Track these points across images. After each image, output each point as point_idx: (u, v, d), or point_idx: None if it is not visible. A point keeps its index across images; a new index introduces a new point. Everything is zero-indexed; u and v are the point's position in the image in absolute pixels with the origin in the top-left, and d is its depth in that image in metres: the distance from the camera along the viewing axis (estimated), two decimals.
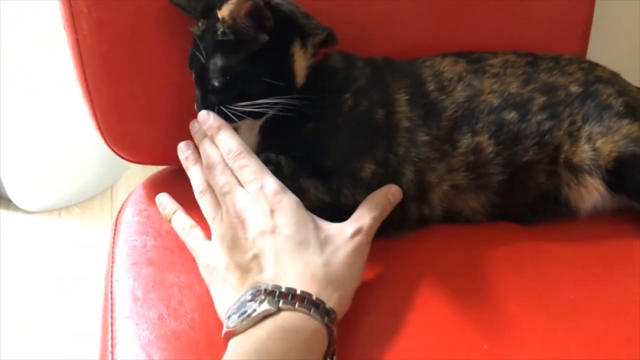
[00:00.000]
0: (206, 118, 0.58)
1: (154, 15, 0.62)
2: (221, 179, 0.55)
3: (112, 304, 0.55)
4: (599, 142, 0.61)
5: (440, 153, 0.60)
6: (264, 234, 0.50)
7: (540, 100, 0.63)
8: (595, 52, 0.76)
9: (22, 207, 1.38)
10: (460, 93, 0.62)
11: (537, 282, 0.57)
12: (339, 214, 0.55)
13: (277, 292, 0.46)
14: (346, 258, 0.51)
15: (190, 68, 0.59)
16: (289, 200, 0.52)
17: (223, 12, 0.55)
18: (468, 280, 0.57)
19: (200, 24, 0.58)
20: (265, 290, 0.47)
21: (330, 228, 0.53)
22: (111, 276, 0.58)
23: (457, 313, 0.53)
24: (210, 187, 0.57)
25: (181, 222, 0.58)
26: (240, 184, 0.54)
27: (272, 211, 0.51)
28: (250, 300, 0.47)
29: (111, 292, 0.56)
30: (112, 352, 0.50)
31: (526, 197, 0.63)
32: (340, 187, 0.57)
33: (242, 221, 0.51)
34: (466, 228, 0.63)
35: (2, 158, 1.32)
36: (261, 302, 0.46)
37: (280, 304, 0.46)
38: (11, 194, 1.37)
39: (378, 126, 0.59)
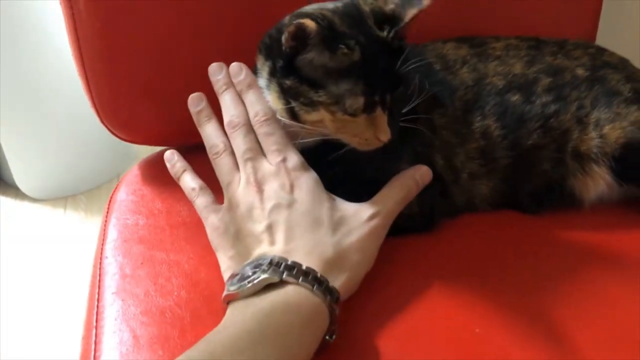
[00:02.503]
0: (238, 71, 0.55)
1: None
2: (245, 142, 0.53)
3: (100, 280, 0.54)
4: (605, 128, 0.59)
5: (459, 138, 0.59)
6: (279, 207, 0.50)
7: (545, 81, 0.61)
8: (605, 38, 0.74)
9: (29, 194, 1.38)
10: (466, 75, 0.60)
11: (537, 270, 0.55)
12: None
13: (283, 264, 0.46)
14: (358, 242, 0.50)
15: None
16: (308, 177, 0.51)
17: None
18: (465, 267, 0.56)
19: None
20: (272, 261, 0.46)
21: (347, 209, 0.51)
22: (101, 253, 0.58)
23: (451, 297, 0.52)
24: (227, 149, 0.53)
25: (191, 182, 0.55)
26: (263, 152, 0.53)
27: (291, 186, 0.51)
28: (255, 268, 0.46)
29: (100, 269, 0.56)
30: (96, 327, 0.50)
31: (532, 184, 0.61)
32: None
33: (260, 191, 0.51)
34: (469, 217, 0.61)
35: (10, 146, 1.33)
36: (264, 271, 0.45)
37: (284, 276, 0.45)
38: (18, 182, 1.37)
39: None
